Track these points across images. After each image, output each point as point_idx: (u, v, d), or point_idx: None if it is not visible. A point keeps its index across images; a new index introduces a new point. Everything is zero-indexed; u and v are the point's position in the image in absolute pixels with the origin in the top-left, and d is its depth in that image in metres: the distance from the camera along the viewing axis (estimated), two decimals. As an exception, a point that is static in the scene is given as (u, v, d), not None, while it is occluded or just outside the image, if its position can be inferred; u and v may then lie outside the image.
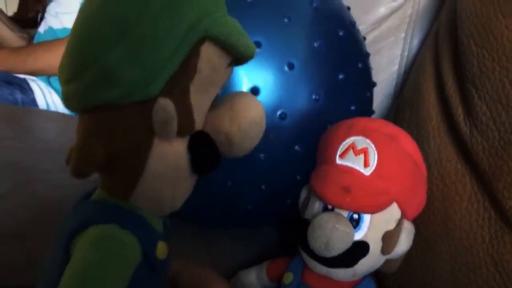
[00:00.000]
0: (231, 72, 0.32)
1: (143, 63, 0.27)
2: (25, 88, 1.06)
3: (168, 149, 0.29)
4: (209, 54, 0.29)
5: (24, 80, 1.06)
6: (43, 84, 1.04)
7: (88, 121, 0.28)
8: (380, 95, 0.68)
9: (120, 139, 0.28)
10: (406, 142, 0.45)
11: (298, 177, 0.51)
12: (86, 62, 0.27)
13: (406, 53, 0.69)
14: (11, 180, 0.58)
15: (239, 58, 0.32)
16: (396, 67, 0.70)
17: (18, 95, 1.04)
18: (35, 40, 1.12)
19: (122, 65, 0.26)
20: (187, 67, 0.28)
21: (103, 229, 0.28)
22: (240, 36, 0.30)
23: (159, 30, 0.27)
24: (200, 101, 0.30)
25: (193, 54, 0.28)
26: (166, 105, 0.27)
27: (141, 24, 0.26)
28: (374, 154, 0.44)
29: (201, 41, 0.28)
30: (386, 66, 0.70)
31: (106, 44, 0.26)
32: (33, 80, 1.06)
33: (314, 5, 0.52)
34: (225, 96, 0.33)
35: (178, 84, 0.28)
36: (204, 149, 0.30)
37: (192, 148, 0.30)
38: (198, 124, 0.30)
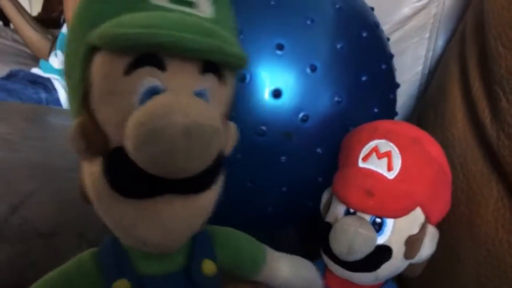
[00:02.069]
0: (145, 74, 0.26)
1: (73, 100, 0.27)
2: (49, 88, 1.08)
3: (91, 171, 0.27)
4: (98, 63, 0.26)
5: (49, 79, 1.08)
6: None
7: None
8: (404, 96, 0.67)
9: None
10: (431, 146, 0.45)
11: (320, 180, 0.51)
12: None
13: (430, 54, 0.68)
14: (37, 179, 0.59)
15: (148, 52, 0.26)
16: (420, 67, 0.69)
17: (43, 95, 1.06)
18: (58, 41, 1.14)
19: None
20: (85, 83, 0.26)
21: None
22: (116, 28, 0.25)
23: (72, 58, 0.27)
24: (107, 113, 0.26)
25: (86, 68, 0.26)
26: (72, 126, 0.26)
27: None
28: (398, 158, 0.43)
29: (91, 53, 0.26)
30: (410, 67, 0.69)
31: None
32: (57, 79, 1.08)
33: (337, 6, 0.51)
34: None
35: (84, 104, 0.27)
36: (116, 165, 0.26)
37: (105, 167, 0.26)
38: (115, 140, 0.26)
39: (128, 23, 0.24)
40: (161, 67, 0.25)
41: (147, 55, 0.25)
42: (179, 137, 0.23)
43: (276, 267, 0.41)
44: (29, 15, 1.29)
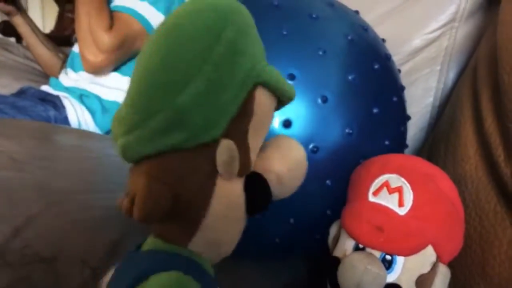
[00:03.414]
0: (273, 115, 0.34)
1: (209, 107, 0.27)
2: (58, 105, 1.08)
3: (229, 189, 0.29)
4: (261, 98, 0.30)
5: (58, 97, 1.09)
6: (75, 102, 1.06)
7: (150, 167, 0.28)
8: (414, 128, 0.67)
9: (185, 182, 0.28)
10: (444, 182, 0.44)
11: (328, 212, 0.50)
12: (153, 109, 0.27)
13: (441, 86, 0.68)
14: (42, 201, 0.58)
15: (282, 101, 0.33)
16: (431, 99, 0.68)
17: (51, 112, 1.06)
18: (69, 60, 1.15)
19: (189, 109, 0.27)
20: (245, 110, 0.29)
21: (169, 277, 0.26)
22: (285, 81, 0.32)
23: (223, 75, 0.28)
24: (253, 143, 0.31)
25: (250, 98, 0.29)
26: (230, 145, 0.28)
27: (205, 70, 0.27)
28: (410, 194, 0.42)
29: (254, 86, 0.29)
30: (421, 98, 0.68)
31: (174, 91, 0.27)
32: (66, 98, 1.08)
33: (349, 37, 0.51)
34: (269, 138, 0.34)
35: (237, 127, 0.29)
36: (259, 189, 0.31)
37: (248, 188, 0.30)
38: (252, 165, 0.31)
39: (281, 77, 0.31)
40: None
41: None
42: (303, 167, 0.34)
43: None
44: (41, 33, 1.30)
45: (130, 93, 0.29)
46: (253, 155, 0.31)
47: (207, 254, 0.30)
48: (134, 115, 0.28)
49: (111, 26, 0.93)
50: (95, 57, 0.95)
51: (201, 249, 0.29)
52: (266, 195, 0.32)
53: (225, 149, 0.28)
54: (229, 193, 0.29)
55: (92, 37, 0.94)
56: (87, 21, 0.93)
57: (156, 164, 0.28)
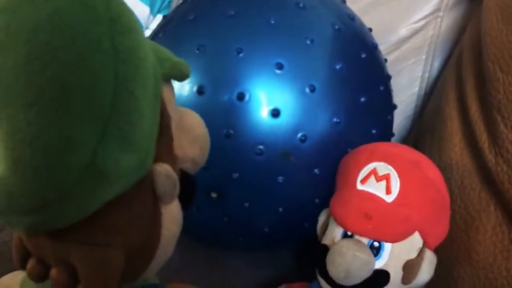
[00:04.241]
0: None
1: (135, 145, 0.23)
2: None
3: (174, 207, 0.28)
4: (167, 94, 0.27)
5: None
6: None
7: (88, 233, 0.23)
8: (400, 117, 0.67)
9: (133, 232, 0.25)
10: (430, 170, 0.44)
11: (317, 200, 0.50)
12: (72, 175, 0.21)
13: (426, 75, 0.69)
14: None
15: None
16: (417, 89, 0.69)
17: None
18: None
19: (114, 159, 0.22)
20: (163, 120, 0.26)
21: None
22: (180, 62, 0.29)
23: (131, 104, 0.23)
24: (176, 143, 0.29)
25: (162, 103, 0.26)
26: (167, 172, 0.25)
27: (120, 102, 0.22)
28: (397, 181, 0.43)
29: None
30: (406, 88, 0.69)
31: (88, 147, 0.21)
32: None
33: (337, 27, 0.51)
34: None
35: (163, 142, 0.26)
36: (187, 185, 0.29)
37: (182, 193, 0.28)
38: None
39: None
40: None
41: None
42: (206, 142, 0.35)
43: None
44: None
45: (31, 163, 0.20)
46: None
47: (156, 270, 0.29)
48: (42, 191, 0.21)
49: None
50: None
51: (154, 270, 0.28)
52: (193, 186, 0.30)
53: (164, 178, 0.25)
54: (173, 213, 0.27)
55: None
56: None
57: (93, 226, 0.23)
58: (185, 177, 0.28)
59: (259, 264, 0.55)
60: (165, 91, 0.27)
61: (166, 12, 0.95)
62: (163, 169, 0.25)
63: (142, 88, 0.23)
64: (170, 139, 0.27)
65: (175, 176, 0.26)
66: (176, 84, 0.32)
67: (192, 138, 0.30)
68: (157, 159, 0.25)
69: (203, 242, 0.54)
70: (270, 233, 0.52)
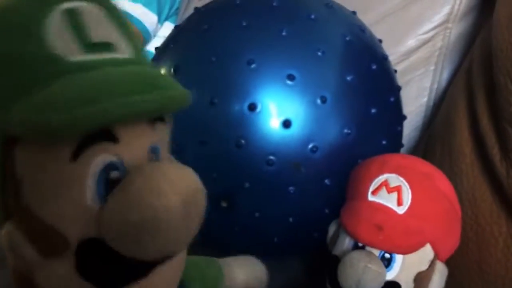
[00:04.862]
0: (96, 152, 0.21)
1: None
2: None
3: (48, 273, 0.23)
4: (26, 154, 0.21)
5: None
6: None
7: None
8: (409, 127, 0.68)
9: None
10: (441, 181, 0.45)
11: (327, 211, 0.51)
12: None
13: (435, 86, 0.69)
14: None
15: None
16: (425, 99, 0.69)
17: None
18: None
19: None
20: (7, 180, 0.22)
21: None
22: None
23: None
24: (57, 209, 0.21)
25: (6, 162, 0.21)
26: (6, 233, 0.22)
27: None
28: (408, 193, 0.43)
29: (9, 144, 0.21)
30: (415, 98, 0.69)
31: None
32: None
33: (348, 38, 0.52)
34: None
35: (11, 204, 0.22)
36: (94, 258, 0.22)
37: (79, 263, 0.22)
38: (75, 234, 0.22)
39: (63, 100, 0.19)
40: (113, 139, 0.22)
41: (95, 132, 0.21)
42: (179, 218, 0.20)
43: (233, 276, 0.44)
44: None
45: None
46: (65, 223, 0.22)
47: None
48: None
49: None
50: None
51: None
52: (110, 260, 0.22)
53: (6, 240, 0.22)
54: (56, 277, 0.22)
55: None
56: None
57: None
58: (91, 250, 0.22)
59: (269, 272, 0.55)
60: (24, 151, 0.21)
61: (173, 19, 0.96)
62: (4, 231, 0.22)
63: None
64: (22, 204, 0.22)
65: (15, 237, 0.22)
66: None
67: None
68: (7, 220, 0.22)
69: (212, 251, 0.54)
70: (280, 243, 0.52)
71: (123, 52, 0.23)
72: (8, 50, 0.20)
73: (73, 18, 0.21)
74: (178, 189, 0.20)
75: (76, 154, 0.20)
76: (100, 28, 0.22)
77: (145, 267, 0.23)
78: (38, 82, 0.20)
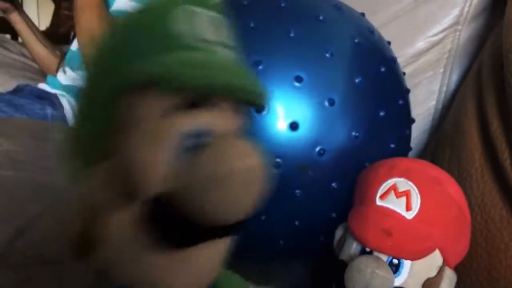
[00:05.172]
0: (191, 116, 0.24)
1: None
2: (56, 104, 1.07)
3: (114, 217, 0.25)
4: (140, 103, 0.25)
5: (55, 95, 1.08)
6: (73, 100, 1.06)
7: None
8: (417, 130, 0.67)
9: None
10: (451, 186, 0.44)
11: (334, 215, 0.50)
12: None
13: (444, 88, 0.68)
14: (44, 201, 0.58)
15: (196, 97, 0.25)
16: (434, 102, 0.68)
17: (49, 110, 1.05)
18: (67, 59, 1.14)
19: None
20: (110, 126, 0.25)
21: None
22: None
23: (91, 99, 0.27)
24: (147, 158, 0.24)
25: (122, 107, 0.25)
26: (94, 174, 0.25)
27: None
28: (417, 198, 0.42)
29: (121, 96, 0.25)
30: (424, 101, 0.69)
31: None
32: (63, 96, 1.08)
33: (356, 40, 0.51)
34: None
35: (107, 147, 0.25)
36: (162, 213, 0.24)
37: (149, 215, 0.24)
38: (154, 185, 0.24)
39: (181, 62, 0.24)
40: (209, 109, 0.24)
41: (195, 97, 0.24)
42: (245, 182, 0.22)
43: None
44: (38, 30, 1.29)
45: None
46: (151, 172, 0.24)
47: None
48: None
49: None
50: None
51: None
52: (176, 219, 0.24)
53: (96, 176, 0.25)
54: (119, 222, 0.25)
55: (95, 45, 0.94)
56: (89, 29, 0.93)
57: None
58: (163, 202, 0.24)
59: (275, 276, 0.55)
60: (142, 102, 0.24)
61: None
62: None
63: None
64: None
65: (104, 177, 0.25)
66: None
67: None
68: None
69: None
70: (286, 246, 0.52)
71: (229, 52, 0.28)
72: (146, 26, 0.26)
73: (194, 17, 0.26)
74: (255, 158, 0.23)
75: (176, 111, 0.24)
76: (212, 28, 0.27)
77: (203, 234, 0.24)
78: (160, 50, 0.25)
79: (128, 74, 0.24)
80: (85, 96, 0.27)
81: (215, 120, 0.25)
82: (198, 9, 0.27)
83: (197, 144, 0.23)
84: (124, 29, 0.27)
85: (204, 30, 0.26)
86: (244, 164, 0.22)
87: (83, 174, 0.26)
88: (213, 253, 0.26)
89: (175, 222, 0.23)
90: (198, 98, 0.24)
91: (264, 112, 0.46)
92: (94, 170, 0.25)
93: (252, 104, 0.28)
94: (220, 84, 0.24)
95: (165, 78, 0.23)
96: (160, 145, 0.24)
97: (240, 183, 0.22)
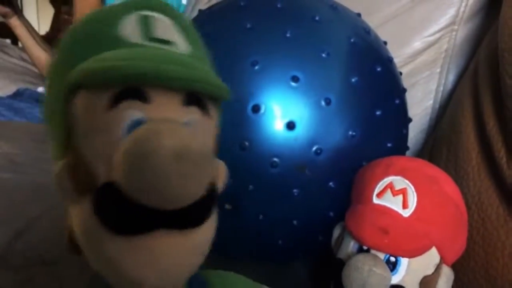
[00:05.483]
0: (128, 107, 0.25)
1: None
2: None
3: (75, 212, 0.26)
4: (80, 100, 0.26)
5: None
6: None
7: None
8: (414, 130, 0.67)
9: None
10: (448, 185, 0.44)
11: (331, 214, 0.50)
12: None
13: (441, 88, 0.68)
14: (43, 203, 0.58)
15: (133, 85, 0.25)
16: (431, 102, 0.69)
17: (48, 114, 1.06)
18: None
19: None
20: (68, 122, 0.26)
21: None
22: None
23: (51, 103, 0.27)
24: (93, 149, 0.25)
25: (68, 108, 0.26)
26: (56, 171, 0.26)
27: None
28: (414, 196, 0.43)
29: (73, 92, 0.26)
30: (421, 101, 0.69)
31: None
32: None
33: (352, 40, 0.52)
34: None
35: (68, 143, 0.26)
36: (107, 200, 0.24)
37: (96, 203, 0.25)
38: (103, 175, 0.25)
39: (111, 57, 0.25)
40: (145, 99, 0.25)
41: (130, 88, 0.25)
42: (170, 161, 0.22)
43: None
44: (38, 34, 1.30)
45: None
46: (97, 163, 0.25)
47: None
48: None
49: None
50: None
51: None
52: (121, 205, 0.24)
53: (55, 174, 0.26)
54: (80, 216, 0.26)
55: None
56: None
57: None
58: (108, 190, 0.24)
59: (273, 277, 0.54)
60: (81, 100, 0.25)
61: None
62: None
63: None
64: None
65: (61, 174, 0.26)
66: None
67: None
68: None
69: (215, 253, 0.54)
70: (284, 246, 0.52)
71: (181, 49, 0.28)
72: (92, 32, 0.27)
73: (145, 20, 0.27)
74: (178, 140, 0.23)
75: (112, 104, 0.25)
76: (165, 30, 0.28)
77: (152, 220, 0.24)
78: (104, 50, 0.26)
79: (70, 73, 0.25)
80: (46, 96, 0.28)
81: (155, 110, 0.25)
82: (157, 14, 0.28)
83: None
84: (73, 33, 0.28)
85: (157, 31, 0.27)
86: (172, 142, 0.22)
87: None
88: (178, 245, 0.26)
89: (124, 208, 0.24)
90: (135, 89, 0.25)
91: (261, 111, 0.46)
92: (58, 167, 0.26)
93: (211, 96, 0.28)
94: (150, 73, 0.24)
95: (97, 71, 0.24)
96: (105, 136, 0.25)
97: (170, 162, 0.22)
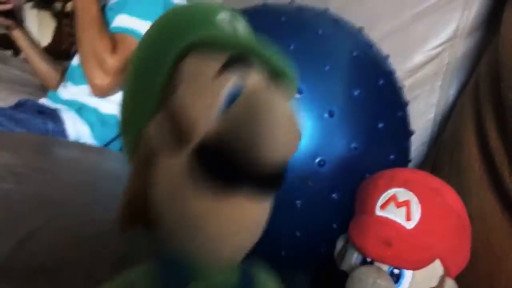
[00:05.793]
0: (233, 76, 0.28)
1: None
2: (56, 118, 1.08)
3: (165, 166, 0.27)
4: (191, 65, 0.29)
5: (56, 110, 1.08)
6: (74, 115, 1.06)
7: None
8: (416, 142, 0.68)
9: None
10: (451, 196, 0.44)
11: (334, 226, 0.50)
12: None
13: (442, 101, 0.69)
14: (45, 214, 0.58)
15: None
16: (432, 115, 0.69)
17: (50, 125, 1.06)
18: (68, 73, 1.15)
19: None
20: (170, 84, 0.29)
21: None
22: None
23: (148, 69, 0.31)
24: (199, 107, 0.27)
25: (174, 72, 0.29)
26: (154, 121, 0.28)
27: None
28: (417, 208, 0.43)
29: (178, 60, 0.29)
30: (422, 114, 0.69)
31: None
32: (64, 111, 1.08)
33: (355, 54, 0.52)
34: None
35: (166, 100, 0.28)
36: (211, 156, 0.26)
37: (199, 158, 0.26)
38: (205, 130, 0.26)
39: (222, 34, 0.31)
40: (245, 72, 0.27)
41: (237, 58, 0.28)
42: (284, 117, 0.25)
43: None
44: (39, 46, 1.31)
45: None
46: (205, 115, 0.26)
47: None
48: None
49: (114, 48, 0.94)
50: (102, 80, 0.96)
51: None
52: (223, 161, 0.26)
53: (155, 123, 0.28)
54: (170, 170, 0.27)
55: (97, 61, 0.95)
56: (91, 46, 0.94)
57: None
58: (209, 148, 0.26)
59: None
60: (192, 64, 0.28)
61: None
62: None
63: None
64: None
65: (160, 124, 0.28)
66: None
67: None
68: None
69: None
70: (287, 257, 0.52)
71: None
72: (196, 18, 0.32)
73: (234, 16, 0.34)
74: (287, 104, 0.26)
75: (220, 71, 0.27)
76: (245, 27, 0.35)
77: (246, 179, 0.26)
78: (205, 28, 0.31)
79: (184, 40, 0.28)
80: (138, 63, 0.31)
81: (254, 81, 0.28)
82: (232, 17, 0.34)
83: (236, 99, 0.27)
84: (175, 14, 0.33)
85: (238, 27, 0.33)
86: (285, 103, 0.26)
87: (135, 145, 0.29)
88: (257, 211, 0.28)
89: (221, 167, 0.25)
90: (237, 61, 0.28)
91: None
92: (150, 122, 0.28)
93: (280, 81, 0.31)
94: (256, 49, 0.29)
95: (210, 40, 0.28)
96: (210, 97, 0.27)
97: (275, 123, 0.25)
